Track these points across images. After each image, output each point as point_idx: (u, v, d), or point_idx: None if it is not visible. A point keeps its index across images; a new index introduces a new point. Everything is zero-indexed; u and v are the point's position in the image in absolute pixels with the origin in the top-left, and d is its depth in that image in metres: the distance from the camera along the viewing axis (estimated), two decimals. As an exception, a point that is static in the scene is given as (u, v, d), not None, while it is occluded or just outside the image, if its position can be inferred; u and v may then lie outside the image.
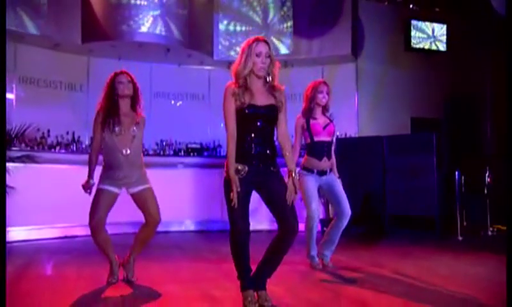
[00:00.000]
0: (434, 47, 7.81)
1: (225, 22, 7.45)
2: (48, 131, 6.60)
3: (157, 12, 6.62)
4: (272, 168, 2.65)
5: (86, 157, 5.75)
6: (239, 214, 2.56)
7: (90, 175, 3.23)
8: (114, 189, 3.16)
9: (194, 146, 7.14)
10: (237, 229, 2.58)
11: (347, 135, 7.21)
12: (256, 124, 2.61)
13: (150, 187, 3.26)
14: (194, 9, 7.04)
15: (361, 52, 7.48)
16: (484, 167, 6.19)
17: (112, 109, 3.18)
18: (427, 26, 7.77)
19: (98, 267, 3.64)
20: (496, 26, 7.05)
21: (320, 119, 3.77)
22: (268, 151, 2.63)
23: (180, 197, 6.14)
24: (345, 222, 3.75)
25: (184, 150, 7.06)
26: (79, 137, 6.81)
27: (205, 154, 7.07)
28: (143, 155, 3.37)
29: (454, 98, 7.71)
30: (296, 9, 7.33)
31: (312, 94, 3.75)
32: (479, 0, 6.81)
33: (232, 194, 2.51)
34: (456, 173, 5.67)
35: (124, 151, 3.14)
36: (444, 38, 7.82)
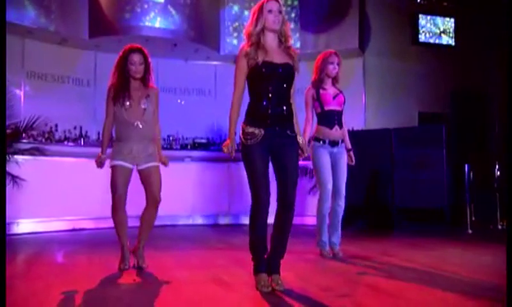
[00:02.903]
0: (442, 41, 7.76)
1: (232, 15, 7.44)
2: (56, 126, 6.61)
3: (164, 6, 6.63)
4: (289, 132, 2.61)
5: (94, 150, 5.84)
6: (260, 183, 2.52)
7: (103, 151, 3.25)
8: (127, 164, 3.16)
9: (200, 141, 7.14)
10: (259, 199, 2.53)
11: (354, 130, 7.17)
12: (273, 83, 2.55)
13: (158, 165, 3.25)
14: (200, 4, 7.05)
15: (368, 47, 7.45)
16: (492, 161, 6.14)
17: (123, 84, 3.18)
18: (434, 20, 7.72)
19: (109, 255, 3.64)
20: (506, 20, 7.01)
21: (330, 90, 3.74)
22: (285, 112, 2.59)
23: (187, 191, 6.14)
24: (340, 203, 3.72)
25: (191, 145, 7.06)
26: (86, 131, 6.82)
27: (212, 149, 7.06)
28: (159, 128, 3.34)
29: (462, 93, 7.65)
30: (303, 3, 7.32)
31: (322, 65, 3.72)
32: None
33: (249, 159, 2.52)
34: (466, 166, 5.62)
35: (135, 124, 3.15)
36: (452, 32, 7.78)
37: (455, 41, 7.77)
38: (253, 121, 2.56)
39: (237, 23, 7.47)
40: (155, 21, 6.60)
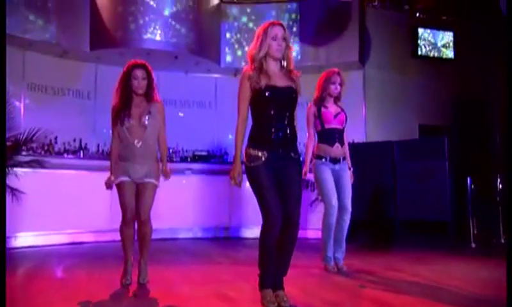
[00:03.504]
0: (441, 55, 7.81)
1: (233, 28, 7.48)
2: (56, 138, 6.57)
3: (166, 19, 6.65)
4: (292, 154, 2.60)
5: (94, 163, 5.89)
6: (271, 198, 2.50)
7: (112, 172, 3.19)
8: (130, 179, 3.12)
9: (200, 153, 7.10)
10: (271, 216, 2.49)
11: (355, 142, 7.16)
12: (275, 107, 2.56)
13: (155, 184, 3.18)
14: (201, 17, 7.08)
15: (368, 60, 7.47)
16: (494, 174, 6.11)
17: (125, 102, 3.15)
18: (434, 34, 7.77)
19: (110, 270, 3.59)
20: (505, 32, 7.06)
21: (331, 108, 3.77)
22: (288, 136, 2.59)
23: (187, 204, 6.09)
24: (346, 218, 3.70)
25: (191, 157, 7.02)
26: (86, 144, 6.78)
27: (212, 161, 7.02)
28: (164, 144, 3.28)
29: (463, 105, 7.67)
30: (303, 16, 7.36)
31: (325, 84, 3.75)
32: (487, 7, 6.83)
33: (257, 180, 2.51)
34: (468, 179, 5.60)
35: (136, 143, 3.11)
36: (451, 46, 7.82)
37: (454, 54, 7.81)
38: (257, 144, 2.56)
39: (238, 36, 7.49)
40: (156, 34, 6.61)
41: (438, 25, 7.82)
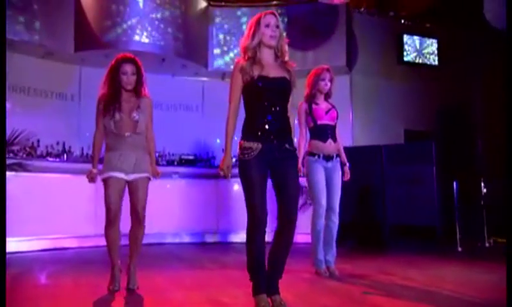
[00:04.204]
0: (426, 61, 7.93)
1: (221, 31, 7.44)
2: (38, 141, 6.40)
3: (152, 21, 6.57)
4: (287, 145, 2.55)
5: (78, 166, 5.75)
6: (257, 201, 2.44)
7: (94, 165, 3.10)
8: (119, 174, 3.00)
9: (187, 157, 7.02)
10: (255, 217, 2.45)
11: (344, 147, 7.18)
12: (268, 97, 2.50)
13: (147, 178, 3.09)
14: (189, 20, 7.02)
15: (355, 65, 7.53)
16: (477, 178, 6.21)
17: (113, 95, 3.06)
18: (418, 40, 7.89)
19: (96, 276, 3.49)
20: (488, 39, 7.21)
21: (322, 105, 3.76)
22: (282, 126, 2.53)
23: (174, 208, 6.00)
24: (334, 219, 3.68)
25: (177, 161, 6.93)
26: (70, 147, 6.62)
27: (199, 165, 6.95)
28: (153, 141, 3.19)
29: (447, 111, 7.80)
30: (291, 20, 7.37)
31: (314, 80, 3.74)
32: (471, 15, 6.96)
33: (247, 175, 2.45)
34: (454, 183, 5.67)
35: (126, 135, 3.02)
36: (435, 53, 7.96)
37: (438, 61, 7.95)
38: (250, 136, 2.50)
39: (226, 37, 7.44)
40: (143, 36, 6.52)
41: (422, 32, 7.94)
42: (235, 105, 2.56)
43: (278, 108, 2.52)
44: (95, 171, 3.09)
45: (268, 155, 2.48)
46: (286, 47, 2.64)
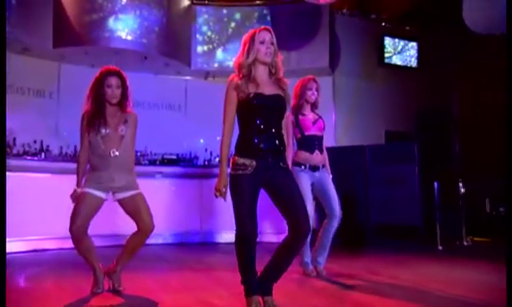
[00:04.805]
0: (406, 63, 8.07)
1: (204, 30, 7.37)
2: (14, 139, 6.20)
3: (135, 18, 6.45)
4: (281, 163, 2.53)
5: (56, 166, 5.58)
6: (246, 213, 2.42)
7: (78, 184, 2.97)
8: (100, 194, 2.93)
9: (170, 157, 6.92)
10: (244, 230, 2.43)
11: (327, 147, 7.23)
12: (264, 115, 2.48)
13: (141, 193, 3.06)
14: (172, 18, 6.92)
15: (337, 66, 7.59)
16: (454, 179, 6.35)
17: (98, 109, 2.97)
18: (399, 43, 8.02)
19: (78, 278, 3.40)
20: (467, 43, 7.38)
21: (309, 115, 3.76)
22: (277, 144, 2.51)
23: (157, 209, 5.80)
24: (335, 223, 3.70)
25: (160, 161, 6.83)
26: (47, 146, 6.43)
27: (182, 165, 6.86)
28: (134, 157, 3.17)
29: (425, 113, 7.96)
30: (274, 21, 7.36)
31: (301, 91, 3.73)
32: (450, 19, 7.11)
33: (239, 186, 2.41)
34: (435, 183, 5.77)
35: (112, 153, 2.94)
36: (415, 55, 8.11)
37: (418, 63, 8.10)
38: (244, 153, 2.47)
39: (209, 38, 7.38)
40: (124, 33, 6.39)
41: (403, 35, 8.08)
42: (230, 125, 2.53)
43: (273, 125, 2.51)
44: (79, 190, 2.95)
45: (262, 173, 2.45)
46: (280, 64, 2.62)
